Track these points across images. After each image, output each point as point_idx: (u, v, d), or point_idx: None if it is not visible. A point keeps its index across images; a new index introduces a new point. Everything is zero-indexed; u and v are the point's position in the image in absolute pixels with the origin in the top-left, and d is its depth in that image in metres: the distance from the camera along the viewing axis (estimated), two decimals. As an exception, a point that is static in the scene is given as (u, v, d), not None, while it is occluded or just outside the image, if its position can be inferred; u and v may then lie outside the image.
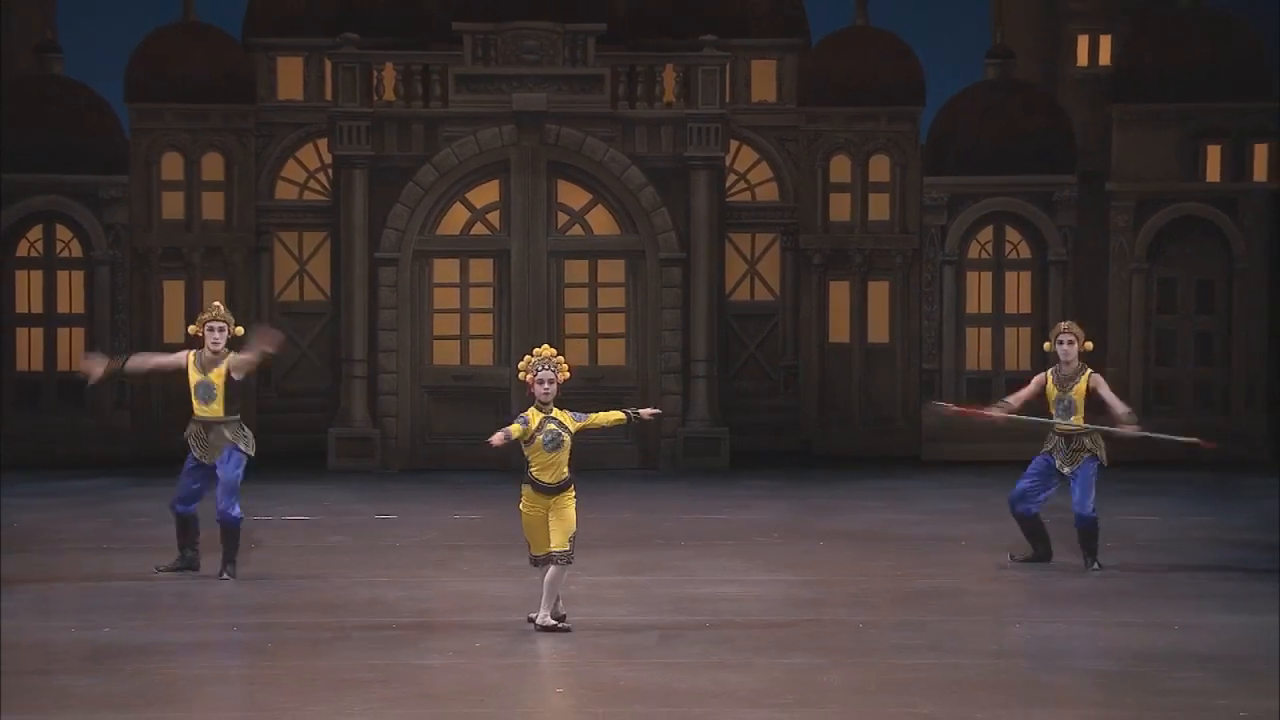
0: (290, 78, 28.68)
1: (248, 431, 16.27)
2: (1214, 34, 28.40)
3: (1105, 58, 29.29)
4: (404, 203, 27.21)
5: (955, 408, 16.90)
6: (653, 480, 25.81)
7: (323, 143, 28.17)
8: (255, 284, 28.53)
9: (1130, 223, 28.39)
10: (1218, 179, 28.36)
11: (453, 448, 27.09)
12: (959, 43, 28.91)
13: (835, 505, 22.65)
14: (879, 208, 28.71)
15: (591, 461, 26.39)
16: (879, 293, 28.75)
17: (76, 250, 28.29)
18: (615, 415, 13.81)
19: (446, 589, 15.99)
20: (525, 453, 13.70)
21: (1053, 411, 16.64)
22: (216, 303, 16.70)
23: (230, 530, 16.23)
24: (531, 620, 13.70)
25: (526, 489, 13.79)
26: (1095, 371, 16.82)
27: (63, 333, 28.28)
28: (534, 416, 13.61)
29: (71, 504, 22.41)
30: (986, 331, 28.75)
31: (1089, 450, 16.64)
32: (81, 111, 28.34)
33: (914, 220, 28.66)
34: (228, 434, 16.07)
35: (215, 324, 16.03)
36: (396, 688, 11.91)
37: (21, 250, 28.33)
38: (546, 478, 13.62)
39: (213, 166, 28.47)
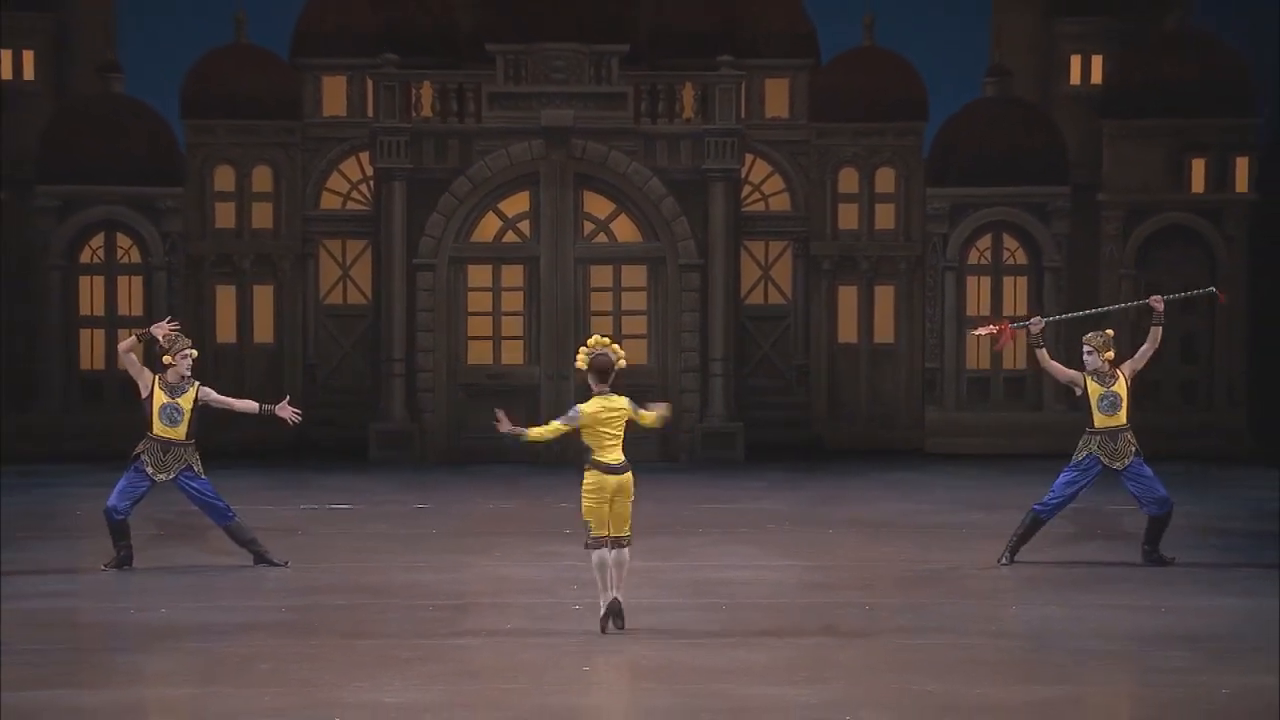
0: (334, 95, 28.66)
1: (197, 454, 16.05)
2: (1199, 54, 28.33)
3: (1097, 76, 29.18)
4: (440, 212, 27.17)
5: (988, 330, 15.52)
6: (673, 472, 25.64)
7: (364, 156, 28.16)
8: (301, 288, 28.57)
9: (1120, 231, 28.31)
10: (1202, 190, 28.28)
11: (486, 442, 26.94)
12: (960, 62, 28.84)
13: (844, 495, 22.55)
14: (885, 217, 28.67)
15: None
16: (885, 296, 28.69)
17: (135, 257, 28.31)
18: (653, 417, 12.95)
19: (480, 573, 15.89)
20: (585, 439, 12.78)
21: (1096, 408, 15.74)
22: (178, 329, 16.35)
23: (240, 530, 16.14)
24: (612, 618, 12.78)
25: (593, 473, 12.82)
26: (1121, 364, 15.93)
27: (123, 334, 28.22)
28: (589, 407, 12.76)
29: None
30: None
31: (1134, 445, 15.88)
32: (140, 127, 28.33)
33: (917, 228, 28.58)
34: (185, 455, 15.86)
35: (190, 352, 15.80)
36: (434, 665, 11.85)
37: (85, 257, 28.36)
38: (611, 459, 12.73)
39: (262, 178, 28.46)
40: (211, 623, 13.38)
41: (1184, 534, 18.66)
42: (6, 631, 12.79)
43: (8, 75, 28.64)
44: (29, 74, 28.81)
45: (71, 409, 28.01)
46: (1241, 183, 28.20)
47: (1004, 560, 15.99)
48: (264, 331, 28.52)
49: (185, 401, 15.62)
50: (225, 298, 28.36)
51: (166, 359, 15.69)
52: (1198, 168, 28.23)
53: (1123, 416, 15.75)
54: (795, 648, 12.59)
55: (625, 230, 27.45)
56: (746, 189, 28.47)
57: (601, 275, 27.40)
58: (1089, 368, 15.74)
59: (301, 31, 28.83)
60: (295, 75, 28.66)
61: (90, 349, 28.19)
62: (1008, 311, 28.59)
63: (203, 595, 14.62)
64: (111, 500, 15.78)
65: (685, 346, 27.16)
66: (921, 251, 28.54)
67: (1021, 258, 28.54)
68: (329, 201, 28.69)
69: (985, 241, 28.54)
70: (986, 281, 28.60)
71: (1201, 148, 28.18)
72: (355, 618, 13.66)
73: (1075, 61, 29.33)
